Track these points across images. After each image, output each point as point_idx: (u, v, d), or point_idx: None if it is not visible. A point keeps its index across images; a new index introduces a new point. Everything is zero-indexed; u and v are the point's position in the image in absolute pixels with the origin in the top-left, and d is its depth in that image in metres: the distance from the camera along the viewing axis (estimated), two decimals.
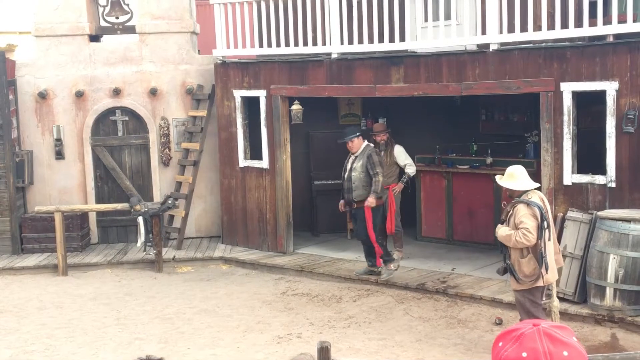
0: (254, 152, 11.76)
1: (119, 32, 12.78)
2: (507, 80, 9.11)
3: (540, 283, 6.76)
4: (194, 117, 12.44)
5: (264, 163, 11.51)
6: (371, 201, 9.53)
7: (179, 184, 12.39)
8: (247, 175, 11.77)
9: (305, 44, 10.86)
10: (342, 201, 9.96)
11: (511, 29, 9.08)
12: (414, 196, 11.84)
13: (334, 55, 10.59)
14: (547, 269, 6.66)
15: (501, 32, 9.12)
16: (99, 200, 12.45)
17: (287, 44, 10.98)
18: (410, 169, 10.64)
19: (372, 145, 9.90)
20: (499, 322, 8.35)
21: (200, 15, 13.61)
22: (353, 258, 10.95)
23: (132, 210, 11.15)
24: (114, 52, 12.49)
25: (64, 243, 11.04)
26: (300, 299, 9.58)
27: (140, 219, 11.10)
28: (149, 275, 10.96)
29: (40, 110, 12.40)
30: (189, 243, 12.31)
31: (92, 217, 12.47)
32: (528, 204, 6.65)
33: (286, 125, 11.30)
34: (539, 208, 6.61)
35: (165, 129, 12.50)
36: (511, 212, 6.79)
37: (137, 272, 11.10)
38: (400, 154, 10.62)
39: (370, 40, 10.27)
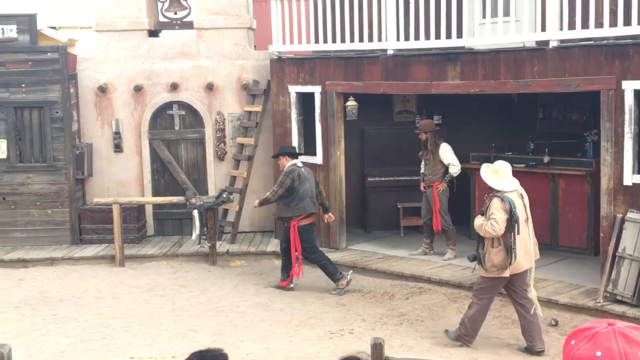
0: (308, 147, 11.80)
1: (177, 27, 12.95)
2: (566, 78, 8.95)
3: (505, 274, 7.20)
4: (249, 112, 12.54)
5: (318, 159, 11.54)
6: (255, 203, 10.12)
7: (234, 179, 12.51)
8: None
9: (361, 40, 10.85)
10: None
11: (572, 26, 8.92)
12: (468, 194, 11.74)
13: (389, 52, 10.56)
14: (514, 259, 7.11)
15: (561, 29, 8.96)
16: (156, 193, 12.65)
17: (342, 40, 10.99)
18: (453, 169, 10.57)
19: (298, 166, 9.71)
20: (555, 323, 8.22)
21: (256, 11, 13.70)
22: (405, 255, 10.92)
23: (188, 203, 11.30)
24: (172, 47, 12.67)
25: (122, 234, 11.25)
26: (353, 295, 9.59)
27: (195, 212, 11.24)
28: (203, 268, 11.10)
29: (100, 104, 12.66)
30: (243, 237, 12.43)
31: (149, 210, 12.68)
32: (502, 198, 7.14)
33: (340, 122, 11.30)
34: (510, 203, 7.08)
35: (221, 123, 12.64)
36: (487, 204, 7.27)
37: (191, 265, 11.25)
38: (445, 153, 10.56)
39: (427, 37, 10.20)
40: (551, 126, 12.21)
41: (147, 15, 12.57)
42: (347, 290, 9.66)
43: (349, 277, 9.69)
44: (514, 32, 9.41)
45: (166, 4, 12.80)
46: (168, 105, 12.68)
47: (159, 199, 12.03)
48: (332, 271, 9.74)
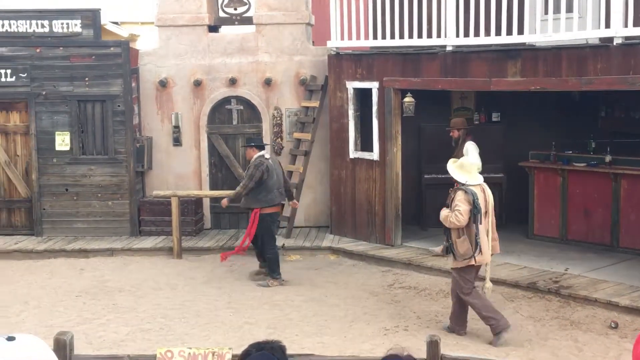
0: (365, 143, 11.79)
1: (236, 23, 13.08)
2: (631, 75, 8.74)
3: (472, 262, 7.62)
4: (307, 108, 12.59)
5: (374, 155, 11.52)
6: (223, 202, 10.31)
7: (290, 173, 12.57)
8: (357, 166, 11.82)
9: (419, 35, 10.78)
10: None
11: (637, 22, 8.71)
12: (526, 193, 11.58)
13: (448, 48, 10.47)
14: (480, 250, 7.56)
15: (626, 25, 8.75)
16: (213, 186, 12.81)
17: (401, 36, 10.93)
18: None
19: (266, 158, 9.92)
20: (615, 326, 8.06)
21: (314, 6, 13.73)
22: None
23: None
24: (231, 42, 12.79)
25: (179, 227, 11.42)
26: (408, 292, 9.56)
27: None
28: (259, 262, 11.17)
29: (160, 98, 12.86)
30: (298, 232, 12.49)
31: (206, 203, 12.85)
32: (465, 191, 7.57)
33: (398, 118, 11.26)
34: (473, 195, 7.50)
35: (278, 118, 12.72)
36: (452, 196, 7.71)
37: (247, 258, 11.34)
38: (467, 151, 10.52)
39: (487, 33, 10.08)
40: (614, 125, 11.95)
41: (207, 10, 12.72)
42: (277, 285, 9.93)
43: (283, 282, 10.00)
44: (576, 28, 9.23)
45: (226, 0, 12.93)
46: (226, 100, 12.81)
47: (217, 193, 12.16)
48: (274, 269, 10.03)
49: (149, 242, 11.94)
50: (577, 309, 8.67)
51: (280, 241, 11.84)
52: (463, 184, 7.66)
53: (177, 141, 12.84)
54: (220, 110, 12.86)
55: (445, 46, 10.50)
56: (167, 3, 12.74)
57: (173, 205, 11.44)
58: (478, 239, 7.54)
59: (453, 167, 7.81)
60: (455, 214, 7.52)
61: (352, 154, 11.83)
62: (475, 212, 7.49)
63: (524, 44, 9.87)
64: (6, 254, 11.59)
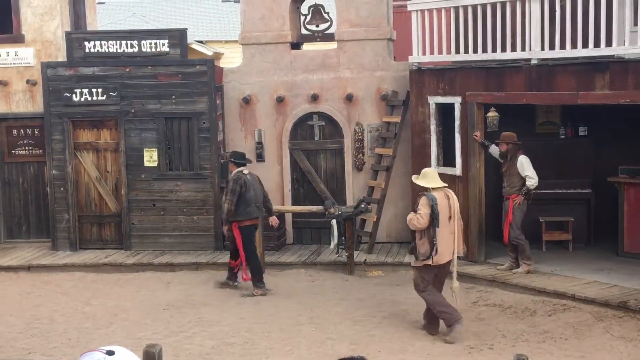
0: (447, 159, 11.69)
1: (318, 39, 13.23)
2: None
3: (429, 262, 8.22)
4: (388, 123, 12.59)
5: (457, 170, 11.40)
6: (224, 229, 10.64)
7: (371, 189, 12.58)
8: None
9: (503, 49, 10.65)
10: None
11: None
12: (615, 209, 11.24)
13: (533, 61, 10.28)
14: (436, 252, 8.16)
15: None
16: (295, 202, 12.93)
17: (484, 50, 10.82)
18: (530, 182, 10.38)
19: (244, 174, 10.37)
20: None
21: (396, 21, 13.74)
22: (548, 271, 10.58)
23: (326, 213, 11.47)
24: (313, 59, 12.93)
25: (262, 242, 11.55)
26: (492, 310, 9.40)
27: (333, 222, 11.40)
28: (341, 277, 11.21)
29: (244, 115, 13.09)
30: (380, 247, 12.46)
31: (288, 218, 12.97)
32: (427, 196, 8.21)
33: (481, 133, 11.12)
34: (433, 200, 8.12)
35: (360, 134, 12.75)
36: (417, 201, 8.35)
37: (329, 274, 11.40)
38: (523, 165, 10.39)
39: (574, 46, 9.86)
40: None
41: (290, 28, 12.90)
42: (261, 295, 10.23)
43: (267, 291, 10.31)
44: None
45: (308, 17, 13.09)
46: (308, 116, 12.94)
47: (299, 208, 12.27)
48: (259, 278, 10.36)
49: None
50: None
51: (362, 257, 11.86)
52: (426, 190, 8.32)
53: (260, 157, 13.03)
54: (302, 126, 12.99)
55: (530, 59, 10.33)
56: (251, 22, 12.98)
57: None
58: (435, 241, 8.11)
59: (417, 178, 8.58)
60: (417, 216, 8.19)
61: (434, 169, 11.72)
62: (433, 216, 8.08)
63: (612, 56, 9.61)
64: (97, 267, 11.99)
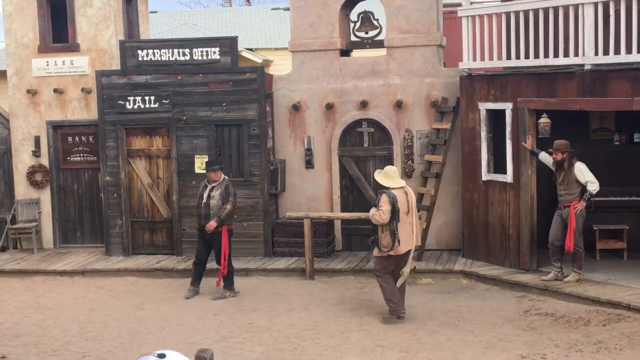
0: (497, 165, 11.57)
1: (367, 46, 13.23)
2: None
3: (392, 253, 9.10)
4: (438, 130, 12.51)
5: (508, 177, 11.28)
6: (212, 224, 10.53)
7: (421, 196, 12.51)
8: (490, 189, 11.61)
9: (556, 55, 10.51)
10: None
11: None
12: None
13: (587, 67, 10.13)
14: (398, 243, 9.03)
15: None
16: (344, 208, 12.93)
17: (536, 55, 10.70)
18: (592, 186, 10.19)
19: (227, 178, 11.01)
20: None
21: (446, 27, 13.66)
22: (602, 280, 10.39)
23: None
24: (362, 65, 12.93)
25: (312, 248, 11.59)
26: (545, 319, 9.26)
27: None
28: None
29: (293, 122, 13.16)
30: (429, 255, 12.39)
31: (337, 225, 12.98)
32: (388, 194, 9.02)
33: (532, 139, 10.98)
34: (393, 197, 8.98)
35: (409, 140, 12.71)
36: (378, 198, 9.15)
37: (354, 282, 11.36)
38: (582, 172, 10.24)
39: (629, 51, 9.69)
40: None
41: (339, 35, 12.93)
42: (232, 297, 10.66)
43: (235, 295, 10.70)
44: None
45: (358, 24, 13.11)
46: (357, 123, 12.94)
47: (348, 215, 12.27)
48: (232, 281, 10.80)
49: (282, 263, 12.18)
50: None
51: (411, 264, 11.77)
52: (387, 188, 9.07)
53: (309, 164, 13.08)
54: (351, 133, 13.00)
55: (583, 65, 10.18)
56: (300, 29, 13.05)
57: (305, 227, 11.64)
58: (396, 233, 8.95)
59: (380, 176, 9.29)
60: (379, 212, 8.98)
61: (485, 176, 11.64)
62: (394, 212, 8.92)
63: None
64: (149, 272, 12.17)
